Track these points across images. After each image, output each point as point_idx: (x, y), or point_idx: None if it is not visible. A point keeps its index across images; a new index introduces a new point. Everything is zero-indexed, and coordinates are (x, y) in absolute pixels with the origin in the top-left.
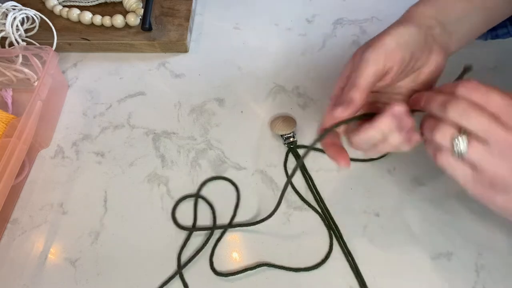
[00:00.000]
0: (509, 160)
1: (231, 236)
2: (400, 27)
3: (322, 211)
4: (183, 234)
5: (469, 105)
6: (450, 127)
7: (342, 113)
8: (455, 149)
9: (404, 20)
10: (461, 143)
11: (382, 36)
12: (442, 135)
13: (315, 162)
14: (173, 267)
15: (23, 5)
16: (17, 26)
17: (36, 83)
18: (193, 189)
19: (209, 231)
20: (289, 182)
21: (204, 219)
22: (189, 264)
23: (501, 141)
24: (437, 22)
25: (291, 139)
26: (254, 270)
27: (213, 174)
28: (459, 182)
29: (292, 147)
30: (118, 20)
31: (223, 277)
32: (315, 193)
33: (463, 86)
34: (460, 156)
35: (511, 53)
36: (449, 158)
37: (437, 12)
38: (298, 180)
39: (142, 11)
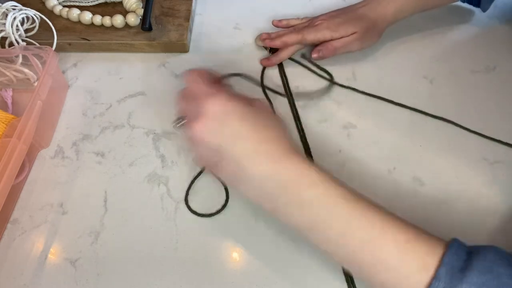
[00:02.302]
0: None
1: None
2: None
3: None
4: (183, 234)
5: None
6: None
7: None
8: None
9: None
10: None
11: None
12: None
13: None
14: (172, 266)
15: (23, 5)
16: (17, 26)
17: (36, 83)
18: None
19: None
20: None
21: None
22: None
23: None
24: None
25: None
26: None
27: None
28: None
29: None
30: (118, 20)
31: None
32: None
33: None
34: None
35: (511, 53)
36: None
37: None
38: None
39: (142, 11)
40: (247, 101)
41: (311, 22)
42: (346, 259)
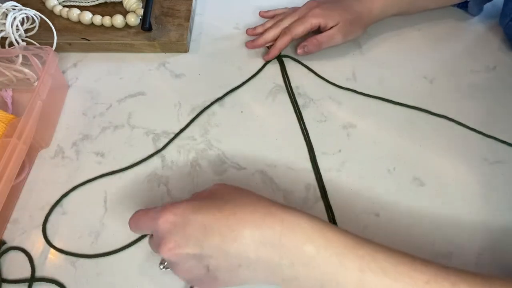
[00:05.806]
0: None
1: None
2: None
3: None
4: None
5: None
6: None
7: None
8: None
9: None
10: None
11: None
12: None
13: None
14: None
15: (23, 5)
16: (17, 26)
17: (36, 83)
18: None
19: None
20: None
21: None
22: None
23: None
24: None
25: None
26: None
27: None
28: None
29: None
30: (118, 20)
31: None
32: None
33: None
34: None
35: (511, 53)
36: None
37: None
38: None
39: (142, 11)
40: (199, 193)
41: (296, 13)
42: None
